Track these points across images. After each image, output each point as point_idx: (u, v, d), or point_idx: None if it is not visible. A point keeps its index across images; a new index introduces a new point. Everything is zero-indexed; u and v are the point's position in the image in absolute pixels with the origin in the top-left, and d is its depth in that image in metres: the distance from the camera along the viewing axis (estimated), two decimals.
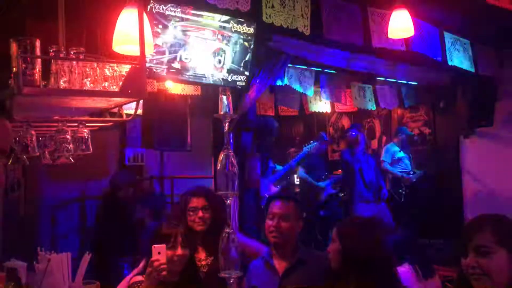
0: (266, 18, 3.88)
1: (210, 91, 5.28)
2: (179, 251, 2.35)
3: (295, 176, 7.21)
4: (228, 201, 1.67)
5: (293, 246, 2.79)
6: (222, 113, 1.61)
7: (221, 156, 1.64)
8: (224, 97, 1.63)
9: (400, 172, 6.71)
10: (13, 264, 2.40)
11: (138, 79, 2.39)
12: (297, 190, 7.31)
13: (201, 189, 3.14)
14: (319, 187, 6.52)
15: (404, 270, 3.34)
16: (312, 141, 6.35)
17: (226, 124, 1.63)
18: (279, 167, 6.16)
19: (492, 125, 6.40)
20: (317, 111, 7.61)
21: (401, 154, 6.85)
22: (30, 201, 5.67)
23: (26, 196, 5.44)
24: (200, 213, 2.97)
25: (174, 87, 5.68)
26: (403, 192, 6.61)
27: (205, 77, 4.62)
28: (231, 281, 1.59)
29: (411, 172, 6.73)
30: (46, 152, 2.72)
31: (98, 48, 2.89)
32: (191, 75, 4.54)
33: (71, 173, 5.67)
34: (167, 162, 6.38)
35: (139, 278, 2.44)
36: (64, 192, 6.30)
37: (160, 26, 4.20)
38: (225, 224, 3.13)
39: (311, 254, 2.85)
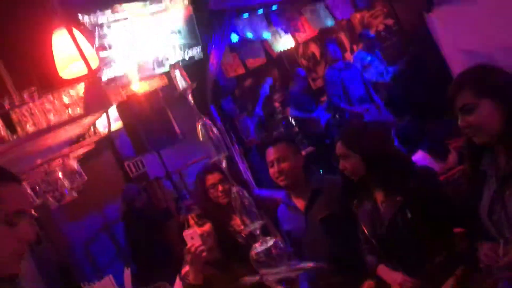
0: None
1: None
2: (199, 230, 2.40)
3: (290, 118, 7.26)
4: (224, 164, 1.70)
5: (303, 181, 2.84)
6: (181, 88, 1.62)
7: (199, 127, 1.66)
8: (176, 71, 1.63)
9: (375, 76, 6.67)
10: None
11: (96, 93, 2.40)
12: (296, 129, 7.37)
13: (211, 165, 3.17)
14: (313, 118, 6.56)
15: (419, 156, 3.41)
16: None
17: (190, 96, 1.65)
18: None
19: None
20: (282, 49, 7.55)
21: (369, 58, 6.80)
22: (60, 248, 5.75)
23: (54, 244, 5.51)
24: (220, 187, 3.03)
25: (141, 87, 5.64)
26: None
27: (164, 65, 4.60)
28: (257, 233, 1.64)
29: (384, 73, 6.67)
30: (49, 197, 2.75)
31: (47, 81, 2.87)
32: (149, 68, 4.53)
33: (84, 206, 5.71)
34: (167, 159, 6.40)
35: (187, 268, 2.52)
36: (87, 227, 6.36)
37: (100, 35, 4.15)
38: (245, 187, 3.23)
39: (324, 181, 2.90)
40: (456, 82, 1.86)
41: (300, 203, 2.83)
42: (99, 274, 5.85)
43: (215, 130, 1.66)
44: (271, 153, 2.82)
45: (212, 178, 3.07)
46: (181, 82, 1.62)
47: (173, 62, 4.66)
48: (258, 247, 1.62)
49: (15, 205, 1.24)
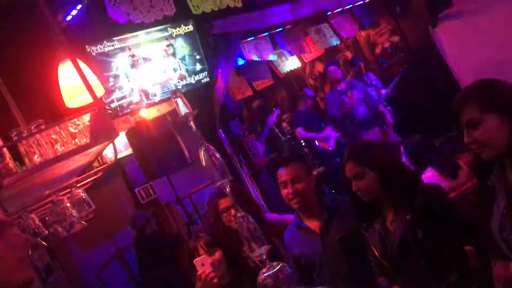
0: (195, 10, 3.89)
1: None
2: (210, 259, 2.39)
3: (299, 138, 7.26)
4: (227, 188, 1.69)
5: (317, 202, 2.77)
6: (183, 114, 1.63)
7: (201, 153, 1.66)
8: (178, 100, 1.65)
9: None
10: None
11: (103, 122, 2.42)
12: (306, 150, 7.37)
13: (220, 192, 3.16)
14: (322, 137, 6.56)
15: (429, 175, 3.37)
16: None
17: (192, 123, 1.65)
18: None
19: (451, 4, 6.35)
20: (289, 70, 7.61)
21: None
22: (72, 277, 5.74)
23: (66, 273, 5.51)
24: (233, 212, 2.94)
25: (149, 113, 5.69)
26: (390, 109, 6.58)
27: (169, 91, 4.64)
28: (264, 258, 1.63)
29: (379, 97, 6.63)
30: (58, 228, 2.76)
31: (54, 113, 2.91)
32: (157, 94, 4.57)
33: (96, 234, 5.72)
34: (177, 184, 6.41)
35: None
36: (99, 254, 6.36)
37: (107, 64, 4.22)
38: (256, 211, 3.21)
39: (338, 201, 2.82)
40: (460, 97, 1.84)
41: (314, 225, 2.74)
42: None
43: (217, 155, 1.66)
44: (283, 174, 2.74)
45: (224, 202, 3.03)
46: (183, 109, 1.63)
47: (180, 87, 4.72)
48: (265, 272, 1.60)
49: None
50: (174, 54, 4.66)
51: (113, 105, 4.32)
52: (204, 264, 2.30)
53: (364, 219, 2.43)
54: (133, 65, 4.40)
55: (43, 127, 2.36)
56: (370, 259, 2.40)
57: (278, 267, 1.61)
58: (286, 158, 2.92)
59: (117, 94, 4.32)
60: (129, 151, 5.54)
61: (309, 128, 6.61)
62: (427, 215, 2.17)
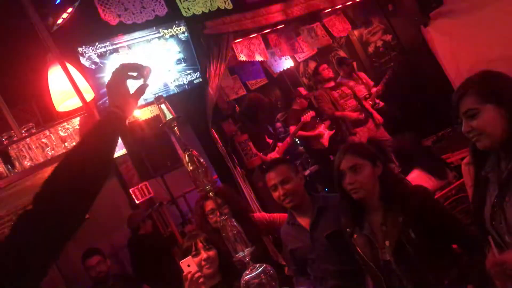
0: (186, 12, 3.91)
1: (176, 101, 5.32)
2: (203, 255, 2.43)
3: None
4: (211, 193, 1.73)
5: (307, 200, 2.86)
6: (167, 119, 1.66)
7: (186, 158, 1.69)
8: (162, 106, 1.68)
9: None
10: None
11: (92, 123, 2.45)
12: (301, 148, 7.41)
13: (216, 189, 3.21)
14: (315, 135, 6.59)
15: (414, 175, 3.39)
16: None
17: (176, 129, 1.68)
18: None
19: (442, 3, 6.40)
20: (282, 69, 7.65)
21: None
22: (68, 276, 5.75)
23: (62, 274, 5.53)
24: (218, 213, 2.99)
25: (142, 114, 5.71)
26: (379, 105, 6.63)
27: (163, 91, 4.67)
28: (247, 260, 1.66)
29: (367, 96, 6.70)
30: None
31: (45, 117, 2.94)
32: (150, 95, 4.59)
33: (91, 234, 5.74)
34: (171, 184, 6.44)
35: None
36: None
37: (99, 66, 4.23)
38: (243, 210, 3.27)
39: (328, 199, 2.89)
40: (460, 88, 1.88)
41: (305, 222, 2.85)
42: None
43: (201, 159, 1.69)
44: (272, 177, 2.83)
45: (210, 204, 3.12)
46: (167, 114, 1.66)
47: (173, 87, 4.75)
48: (248, 274, 1.64)
49: None
50: (166, 55, 4.68)
51: (105, 106, 4.34)
52: (190, 265, 2.33)
53: (350, 222, 2.46)
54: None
55: (33, 131, 2.40)
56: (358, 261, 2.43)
57: (260, 269, 1.64)
58: (272, 162, 2.97)
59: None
60: (123, 151, 5.55)
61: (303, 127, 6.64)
62: (418, 217, 2.20)
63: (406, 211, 2.23)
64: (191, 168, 1.69)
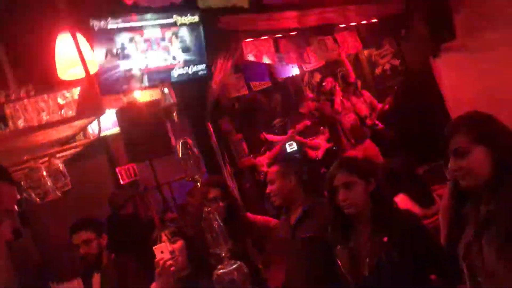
0: (202, 3, 3.92)
1: (177, 90, 5.33)
2: (170, 247, 2.42)
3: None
4: (199, 184, 1.74)
5: (296, 201, 3.04)
6: (167, 103, 1.67)
7: (179, 146, 1.70)
8: (165, 89, 1.69)
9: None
10: None
11: (92, 98, 2.45)
12: (296, 155, 7.42)
13: (216, 180, 3.33)
14: (312, 144, 6.63)
15: (398, 199, 3.41)
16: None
17: (175, 114, 1.69)
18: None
19: (455, 37, 6.44)
20: (288, 76, 7.67)
21: None
22: (42, 245, 5.72)
23: (36, 242, 5.50)
24: (220, 203, 3.16)
25: (142, 96, 5.70)
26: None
27: (166, 77, 4.66)
28: (223, 255, 1.67)
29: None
30: (32, 194, 2.78)
31: (46, 81, 2.93)
32: (153, 79, 4.58)
33: (73, 208, 5.71)
34: (159, 170, 6.43)
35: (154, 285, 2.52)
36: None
37: (107, 41, 4.23)
38: (237, 207, 3.35)
39: (317, 205, 2.99)
40: (453, 124, 1.90)
41: (292, 219, 3.04)
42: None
43: (195, 150, 1.70)
44: (268, 174, 3.17)
45: (214, 192, 3.18)
46: (168, 99, 1.67)
47: (176, 75, 4.74)
48: (222, 269, 1.65)
49: (5, 205, 1.28)
50: (175, 42, 4.68)
51: (108, 81, 4.33)
52: (163, 251, 2.34)
53: (337, 233, 2.47)
54: (134, 46, 4.41)
55: (32, 93, 2.39)
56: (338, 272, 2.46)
57: (235, 266, 1.65)
58: (272, 161, 3.20)
59: (113, 71, 4.33)
60: (116, 129, 5.53)
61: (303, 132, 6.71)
62: (404, 239, 2.23)
63: (393, 232, 2.26)
64: (182, 155, 1.69)
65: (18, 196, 2.60)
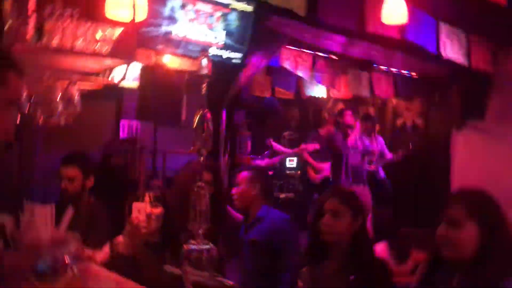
0: None
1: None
2: (148, 209, 2.43)
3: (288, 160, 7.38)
4: (202, 158, 1.76)
5: (254, 208, 3.29)
6: (201, 73, 1.69)
7: (197, 116, 1.71)
8: (204, 59, 1.70)
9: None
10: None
11: (129, 42, 2.48)
12: (296, 172, 7.42)
13: (211, 165, 3.41)
14: (315, 166, 6.65)
15: (379, 248, 3.44)
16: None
17: (204, 85, 1.71)
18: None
19: (483, 119, 6.45)
20: (313, 95, 7.68)
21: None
22: (23, 166, 5.73)
23: (20, 161, 5.50)
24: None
25: (171, 61, 5.71)
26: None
27: (204, 50, 4.68)
28: (199, 233, 1.68)
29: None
30: (38, 111, 2.80)
31: (92, 12, 2.95)
32: (188, 49, 4.61)
33: (66, 142, 5.72)
34: (160, 137, 6.45)
35: (121, 238, 2.54)
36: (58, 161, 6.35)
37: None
38: (224, 199, 3.41)
39: (270, 213, 3.29)
40: (456, 193, 1.95)
41: (248, 222, 3.34)
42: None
43: (210, 125, 1.72)
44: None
45: (206, 176, 3.01)
46: (203, 69, 1.69)
47: (212, 55, 4.77)
48: (193, 245, 1.66)
49: (11, 95, 1.29)
50: (222, 23, 4.71)
51: (146, 36, 4.34)
52: (140, 211, 2.35)
53: (308, 256, 2.50)
54: (183, 13, 4.44)
55: (76, 17, 2.42)
56: None
57: (207, 246, 1.66)
58: (243, 166, 3.98)
59: (155, 28, 4.34)
60: (135, 83, 5.56)
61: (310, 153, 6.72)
62: (368, 286, 2.23)
63: (361, 274, 2.26)
64: (197, 126, 1.71)
65: (27, 108, 2.63)
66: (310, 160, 6.67)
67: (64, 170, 3.39)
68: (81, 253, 1.91)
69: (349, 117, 6.61)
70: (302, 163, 6.98)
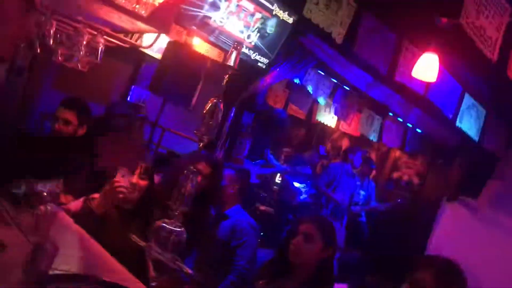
0: (307, 12, 3.96)
1: None
2: (135, 179, 2.43)
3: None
4: (201, 144, 1.76)
5: (227, 205, 3.48)
6: (228, 64, 1.70)
7: (210, 103, 1.72)
8: (234, 52, 1.72)
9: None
10: None
11: (167, 14, 2.49)
12: (274, 187, 7.43)
13: (213, 160, 3.37)
14: (296, 190, 6.65)
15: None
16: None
17: (226, 76, 1.72)
18: (275, 162, 6.33)
19: (477, 197, 6.47)
20: (323, 122, 7.71)
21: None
22: (28, 95, 5.72)
23: (25, 91, 5.50)
24: (202, 181, 2.88)
25: (199, 45, 5.73)
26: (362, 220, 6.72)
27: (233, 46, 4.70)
28: (176, 213, 1.68)
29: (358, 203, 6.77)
30: (60, 50, 2.80)
31: None
32: (219, 39, 4.62)
33: (75, 90, 5.72)
34: (166, 113, 6.47)
35: (97, 195, 2.53)
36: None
37: None
38: (216, 194, 3.42)
39: (238, 215, 3.46)
40: (427, 259, 1.96)
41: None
42: None
43: (220, 116, 1.73)
44: None
45: (204, 169, 2.95)
46: (230, 61, 1.70)
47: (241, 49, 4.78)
48: (165, 223, 1.66)
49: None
50: (259, 25, 4.73)
51: (184, 13, 4.35)
52: (124, 176, 2.35)
53: (271, 272, 2.50)
54: (226, 4, 4.46)
55: None
56: None
57: (179, 229, 1.66)
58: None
59: (195, 9, 4.36)
60: (158, 55, 5.58)
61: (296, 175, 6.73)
62: None
63: None
64: (207, 111, 1.72)
65: (51, 43, 2.63)
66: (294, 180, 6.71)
67: (62, 112, 3.37)
68: (58, 195, 1.92)
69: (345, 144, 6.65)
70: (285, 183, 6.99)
